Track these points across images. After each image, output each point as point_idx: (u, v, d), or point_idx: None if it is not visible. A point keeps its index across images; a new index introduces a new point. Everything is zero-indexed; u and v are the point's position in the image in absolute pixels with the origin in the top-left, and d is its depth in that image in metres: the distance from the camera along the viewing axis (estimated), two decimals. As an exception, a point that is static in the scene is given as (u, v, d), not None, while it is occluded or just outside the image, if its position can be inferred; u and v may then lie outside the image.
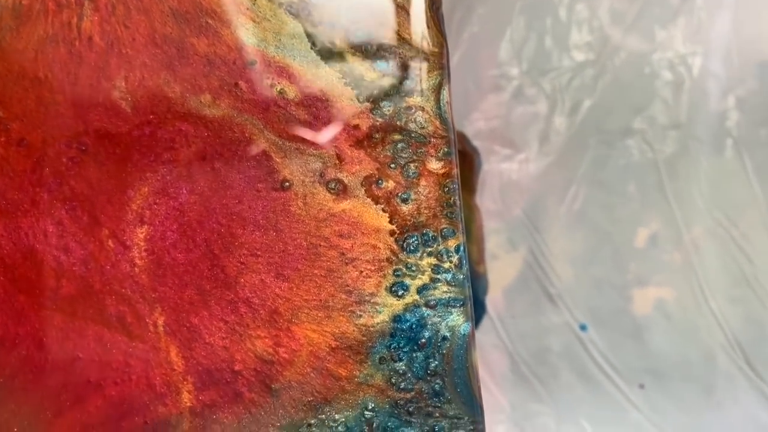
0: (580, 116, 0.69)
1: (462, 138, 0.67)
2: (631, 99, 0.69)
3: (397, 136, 0.36)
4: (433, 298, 0.36)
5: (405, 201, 0.36)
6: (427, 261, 0.36)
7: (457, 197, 0.36)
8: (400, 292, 0.36)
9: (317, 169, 0.35)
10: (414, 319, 0.36)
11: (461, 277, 0.36)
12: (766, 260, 0.68)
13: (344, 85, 0.35)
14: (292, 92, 0.35)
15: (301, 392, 0.36)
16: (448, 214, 0.36)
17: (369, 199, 0.36)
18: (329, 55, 0.35)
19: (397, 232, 0.36)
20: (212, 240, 0.35)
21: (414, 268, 0.36)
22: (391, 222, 0.36)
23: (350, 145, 0.36)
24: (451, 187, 0.36)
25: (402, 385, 0.36)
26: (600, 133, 0.69)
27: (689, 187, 0.69)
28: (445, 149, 0.36)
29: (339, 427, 0.36)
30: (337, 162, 0.35)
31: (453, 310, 0.36)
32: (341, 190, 0.36)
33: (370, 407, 0.36)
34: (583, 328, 0.69)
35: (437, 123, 0.36)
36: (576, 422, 0.67)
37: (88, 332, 0.35)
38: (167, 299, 0.35)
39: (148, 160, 0.35)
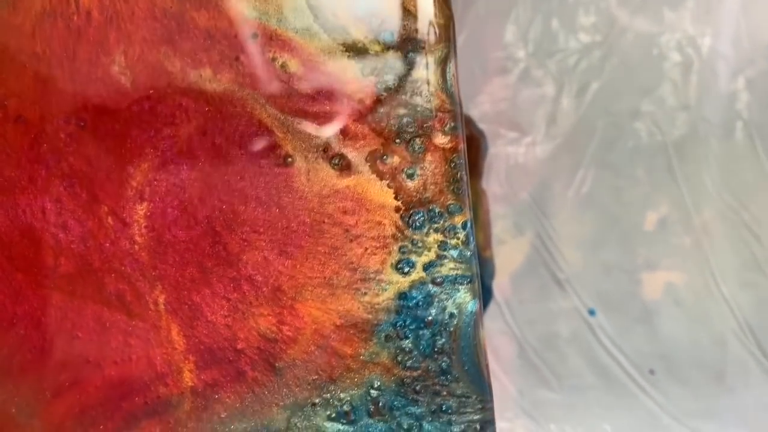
0: (587, 98, 0.69)
1: (468, 121, 0.66)
2: (639, 81, 0.69)
3: (402, 111, 0.35)
4: (439, 275, 0.35)
5: (411, 176, 0.35)
6: (434, 237, 0.35)
7: (464, 172, 0.35)
8: (405, 269, 0.35)
9: (320, 144, 0.35)
10: (420, 297, 0.35)
11: (468, 253, 0.35)
12: (777, 244, 0.67)
13: (348, 59, 0.35)
14: (294, 66, 0.35)
15: (306, 371, 0.35)
16: (455, 190, 0.35)
17: (374, 175, 0.35)
18: (332, 28, 0.35)
19: (403, 208, 0.35)
20: (214, 217, 0.35)
21: (420, 245, 0.35)
22: (396, 198, 0.35)
23: (354, 120, 0.35)
24: (458, 162, 0.35)
25: (408, 364, 0.35)
26: (608, 115, 0.69)
27: (699, 169, 0.68)
28: (452, 123, 0.35)
29: (344, 406, 0.35)
30: (341, 137, 0.35)
31: (460, 287, 0.35)
32: (345, 166, 0.35)
33: (376, 386, 0.35)
34: (591, 313, 0.68)
35: (443, 97, 0.35)
36: (585, 408, 0.66)
37: (87, 311, 0.35)
38: (168, 277, 0.35)
39: (147, 135, 0.35)
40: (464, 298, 0.35)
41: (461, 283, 0.35)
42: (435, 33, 0.35)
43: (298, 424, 0.35)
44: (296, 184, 0.35)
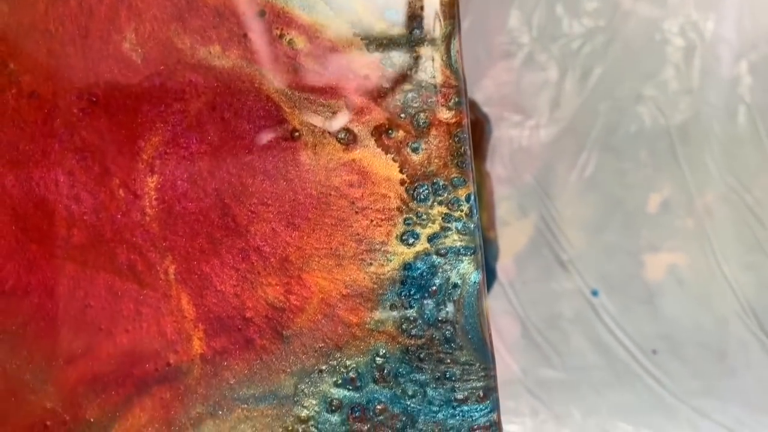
0: (590, 83, 0.69)
1: (472, 105, 0.66)
2: (642, 65, 0.69)
3: (407, 86, 0.35)
4: (443, 246, 0.36)
5: (415, 150, 0.36)
6: (438, 210, 0.36)
7: (467, 146, 0.36)
8: (410, 241, 0.36)
9: (327, 119, 0.35)
10: (425, 267, 0.36)
11: (472, 225, 0.36)
12: (779, 226, 0.68)
13: (354, 35, 0.35)
14: (301, 43, 0.35)
15: (312, 339, 0.36)
16: (459, 164, 0.36)
17: (379, 149, 0.36)
18: (339, 6, 0.35)
19: (408, 181, 0.36)
20: (222, 189, 0.35)
21: (424, 217, 0.36)
22: (401, 171, 0.36)
23: (360, 95, 0.35)
24: (462, 136, 0.36)
25: (413, 332, 0.36)
26: (611, 99, 0.69)
27: (701, 152, 0.68)
28: (456, 99, 0.36)
29: (350, 373, 0.36)
30: (347, 112, 0.35)
31: (464, 258, 0.36)
32: (351, 140, 0.35)
33: (381, 353, 0.36)
34: (594, 293, 0.69)
35: (448, 72, 0.36)
36: (588, 387, 0.67)
37: (99, 281, 0.35)
38: (178, 248, 0.35)
39: (158, 110, 0.35)
40: (468, 268, 0.36)
41: (465, 254, 0.36)
42: (440, 10, 0.35)
43: (305, 390, 0.36)
44: (303, 158, 0.36)
